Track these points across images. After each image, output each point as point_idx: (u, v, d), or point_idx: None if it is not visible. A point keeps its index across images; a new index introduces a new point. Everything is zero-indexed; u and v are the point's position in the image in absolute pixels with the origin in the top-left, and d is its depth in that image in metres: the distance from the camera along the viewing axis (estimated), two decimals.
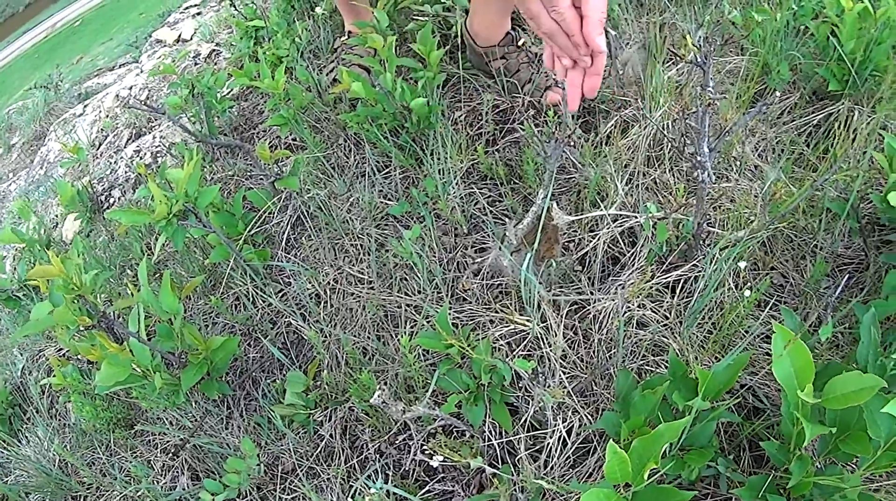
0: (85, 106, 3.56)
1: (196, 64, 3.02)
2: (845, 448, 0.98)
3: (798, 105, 1.75)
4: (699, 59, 1.06)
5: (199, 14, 4.00)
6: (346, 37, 2.16)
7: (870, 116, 1.64)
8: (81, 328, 1.47)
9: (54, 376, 1.72)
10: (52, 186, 2.97)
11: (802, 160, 1.65)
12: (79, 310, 1.41)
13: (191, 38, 3.65)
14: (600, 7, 0.95)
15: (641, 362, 1.38)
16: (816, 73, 1.72)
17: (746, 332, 1.38)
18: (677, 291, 1.44)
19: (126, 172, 2.61)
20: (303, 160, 1.84)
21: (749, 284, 1.45)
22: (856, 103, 1.70)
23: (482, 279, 1.56)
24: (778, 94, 1.19)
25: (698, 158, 1.17)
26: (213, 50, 3.08)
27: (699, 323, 1.39)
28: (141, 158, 2.60)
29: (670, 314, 1.42)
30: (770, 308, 1.44)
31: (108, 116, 3.16)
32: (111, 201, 2.57)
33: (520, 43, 1.90)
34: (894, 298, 1.28)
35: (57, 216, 2.86)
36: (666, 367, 1.35)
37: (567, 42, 1.02)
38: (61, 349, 2.15)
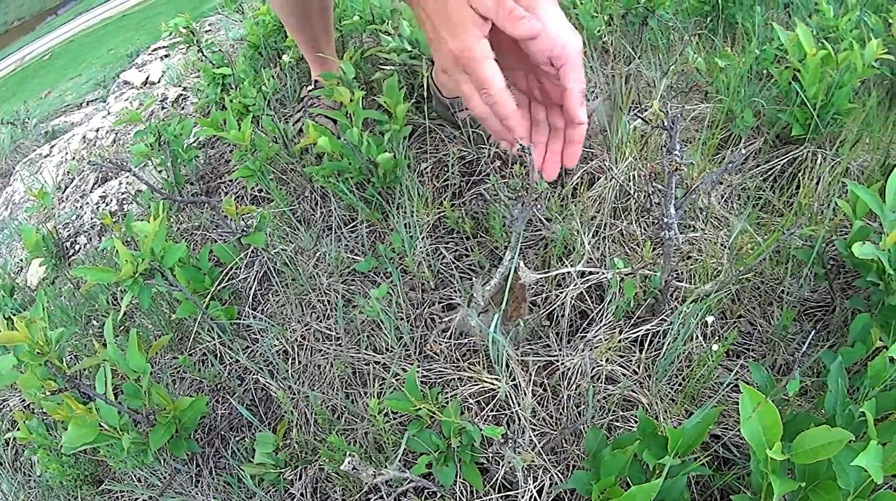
0: (51, 146, 3.53)
1: (163, 108, 3.00)
2: (815, 498, 0.99)
3: (762, 150, 1.76)
4: (667, 124, 1.06)
5: (167, 56, 3.99)
6: (313, 86, 2.15)
7: (833, 160, 1.66)
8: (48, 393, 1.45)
9: (19, 429, 1.69)
10: (17, 229, 2.93)
11: (768, 207, 1.67)
12: (45, 374, 1.38)
13: (158, 81, 3.63)
14: (580, 79, 0.93)
15: (611, 417, 1.37)
16: (780, 117, 1.74)
17: (716, 384, 1.38)
18: (646, 345, 1.44)
19: (92, 219, 2.58)
20: (268, 216, 1.83)
21: (717, 335, 1.45)
22: (819, 147, 1.71)
23: (450, 338, 1.55)
24: (743, 150, 1.19)
25: (665, 220, 1.17)
26: (181, 94, 3.07)
27: (668, 377, 1.39)
28: (107, 205, 2.57)
29: (639, 368, 1.41)
30: (739, 357, 1.44)
31: (74, 158, 3.13)
32: (77, 247, 2.54)
33: None
34: (860, 344, 1.29)
35: (22, 260, 2.81)
36: (636, 421, 1.35)
37: (498, 126, 0.98)
38: (25, 400, 2.11)
